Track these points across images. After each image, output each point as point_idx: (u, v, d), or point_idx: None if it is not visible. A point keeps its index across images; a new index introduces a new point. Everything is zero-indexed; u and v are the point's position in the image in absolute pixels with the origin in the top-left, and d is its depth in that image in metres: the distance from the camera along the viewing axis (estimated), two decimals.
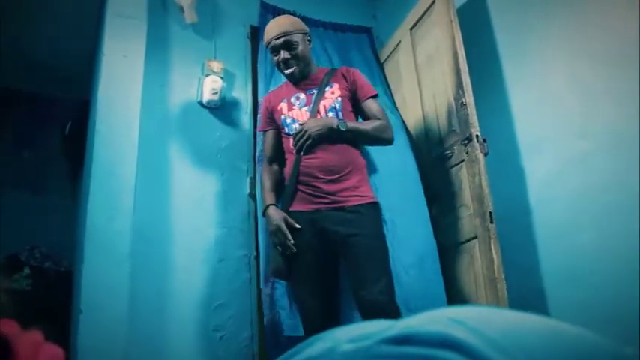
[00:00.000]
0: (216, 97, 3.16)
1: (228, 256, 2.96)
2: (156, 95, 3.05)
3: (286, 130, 2.55)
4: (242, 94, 3.39)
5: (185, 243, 2.88)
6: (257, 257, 2.93)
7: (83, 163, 3.18)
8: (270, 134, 2.67)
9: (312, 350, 0.38)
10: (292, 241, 2.35)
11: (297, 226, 2.37)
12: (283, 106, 2.58)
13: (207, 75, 3.19)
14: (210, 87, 3.15)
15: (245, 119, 3.33)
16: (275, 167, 2.63)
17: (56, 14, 3.61)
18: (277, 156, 2.64)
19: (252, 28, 3.56)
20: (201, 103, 3.19)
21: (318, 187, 2.39)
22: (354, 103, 2.57)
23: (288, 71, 2.56)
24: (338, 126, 2.37)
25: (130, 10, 2.93)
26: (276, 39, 2.52)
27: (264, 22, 3.42)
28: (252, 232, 3.04)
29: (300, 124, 2.42)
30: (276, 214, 2.40)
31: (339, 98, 2.51)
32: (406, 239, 2.78)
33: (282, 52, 2.52)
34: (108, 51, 2.81)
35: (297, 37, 2.53)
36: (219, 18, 3.48)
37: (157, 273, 2.75)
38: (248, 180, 3.14)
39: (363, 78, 2.63)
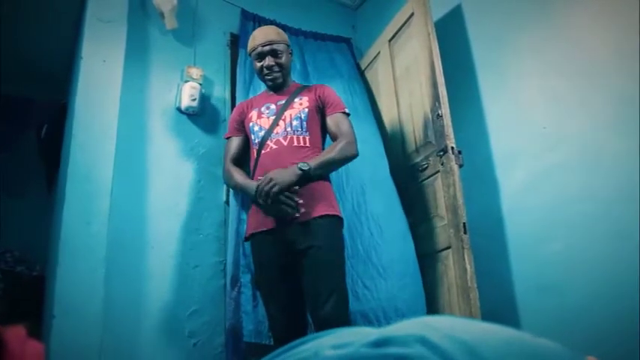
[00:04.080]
0: (194, 104, 3.15)
1: (203, 263, 2.95)
2: (134, 100, 3.03)
3: (253, 137, 2.59)
4: (221, 101, 3.39)
5: (160, 248, 2.86)
6: None
7: (59, 166, 3.15)
8: (235, 140, 2.70)
9: (294, 355, 0.40)
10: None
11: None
12: (254, 114, 2.64)
13: (187, 81, 3.18)
14: (189, 93, 3.14)
15: (223, 126, 3.33)
16: (239, 167, 2.64)
17: (35, 15, 3.58)
18: (240, 160, 2.68)
19: (232, 35, 3.57)
20: (179, 109, 3.17)
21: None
22: (323, 118, 2.60)
23: (270, 77, 2.62)
24: (300, 168, 2.30)
25: (110, 14, 2.91)
26: (262, 46, 2.59)
27: (244, 30, 3.44)
28: (228, 238, 3.04)
29: (267, 175, 2.30)
30: None
31: (306, 109, 2.54)
32: (386, 248, 2.79)
33: (267, 58, 2.59)
34: (87, 55, 2.79)
35: (281, 47, 2.62)
36: (199, 25, 3.48)
37: (131, 278, 2.73)
38: (224, 187, 3.13)
39: (334, 95, 2.65)
